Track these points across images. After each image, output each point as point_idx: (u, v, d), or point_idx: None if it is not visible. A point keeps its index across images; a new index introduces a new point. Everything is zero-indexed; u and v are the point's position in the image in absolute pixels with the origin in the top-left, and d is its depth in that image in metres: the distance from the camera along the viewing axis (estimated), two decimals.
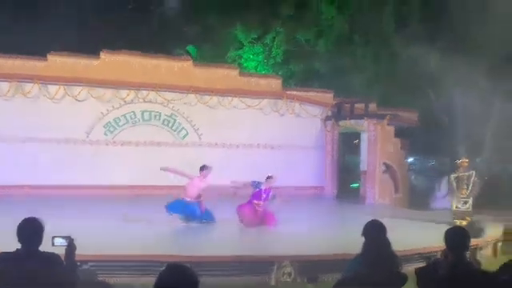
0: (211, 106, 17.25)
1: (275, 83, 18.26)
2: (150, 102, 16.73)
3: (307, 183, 17.77)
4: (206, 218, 11.01)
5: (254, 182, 11.17)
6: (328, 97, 18.54)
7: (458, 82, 15.12)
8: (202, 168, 11.14)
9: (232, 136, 17.25)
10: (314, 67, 22.64)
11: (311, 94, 18.55)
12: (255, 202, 11.04)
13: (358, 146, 18.69)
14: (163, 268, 2.73)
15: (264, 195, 11.04)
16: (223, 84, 17.19)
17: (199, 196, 11.09)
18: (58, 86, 15.58)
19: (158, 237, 9.77)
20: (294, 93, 18.45)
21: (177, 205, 10.97)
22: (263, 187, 11.03)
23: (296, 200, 15.05)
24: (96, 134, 16.19)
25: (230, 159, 16.35)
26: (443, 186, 14.93)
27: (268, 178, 11.15)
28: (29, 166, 14.86)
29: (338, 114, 18.17)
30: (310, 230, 11.14)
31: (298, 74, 23.40)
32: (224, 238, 10.20)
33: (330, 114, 18.38)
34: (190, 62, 17.42)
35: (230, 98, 17.38)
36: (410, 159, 21.87)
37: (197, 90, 16.91)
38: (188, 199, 11.00)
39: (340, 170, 18.71)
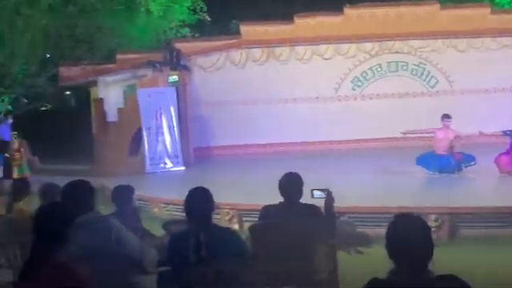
0: (461, 50, 16.16)
1: None
2: (396, 52, 16.36)
3: None
4: (465, 161, 10.45)
5: (506, 131, 10.34)
6: None
7: None
8: (443, 117, 10.60)
9: (486, 80, 15.88)
10: None
11: None
12: None
13: None
14: (392, 218, 2.68)
15: None
16: (473, 25, 15.89)
17: (451, 147, 10.58)
18: (305, 47, 16.20)
19: (412, 188, 9.67)
20: None
21: (428, 157, 10.63)
22: None
23: None
24: (344, 89, 16.48)
25: (486, 105, 15.19)
26: None
27: None
28: (284, 125, 15.82)
29: None
30: None
31: None
32: (482, 189, 9.65)
33: None
34: (437, 6, 16.45)
35: (481, 39, 16.06)
36: None
37: (445, 35, 15.99)
38: (438, 152, 10.60)
39: None
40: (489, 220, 7.61)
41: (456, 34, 15.98)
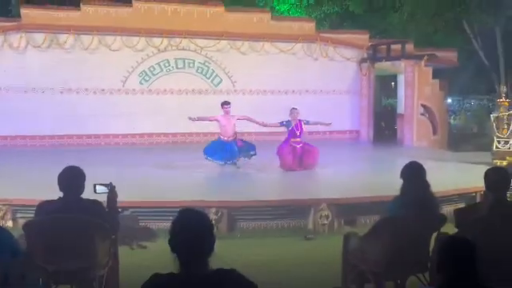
0: (243, 52, 17.03)
1: (308, 26, 17.85)
2: (183, 49, 16.61)
3: (343, 127, 17.57)
4: (247, 150, 11.10)
5: (282, 122, 11.26)
6: (363, 38, 18.05)
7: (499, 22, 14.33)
8: (222, 105, 11.18)
9: (265, 82, 17.01)
10: (348, 8, 22.08)
11: (346, 36, 18.08)
12: (292, 140, 11.11)
13: (394, 89, 18.37)
14: (176, 214, 2.71)
15: (298, 131, 11.11)
16: (255, 29, 16.87)
17: (234, 134, 11.14)
18: (91, 36, 15.61)
19: (195, 183, 9.91)
20: (328, 35, 18.03)
21: (214, 146, 11.06)
22: (293, 123, 11.11)
23: (332, 144, 15.04)
24: (131, 83, 16.26)
25: (264, 105, 16.20)
26: None
27: (291, 110, 11.21)
28: (67, 117, 15.09)
29: (373, 56, 17.76)
30: (347, 172, 11.15)
31: (331, 16, 22.88)
32: (261, 183, 10.29)
33: (365, 56, 17.97)
34: (222, 8, 17.11)
35: (261, 43, 17.10)
36: (449, 100, 21.44)
37: (229, 36, 16.70)
38: (224, 138, 11.07)
39: (376, 114, 18.44)
40: (264, 212, 8.16)
41: (239, 37, 16.79)
